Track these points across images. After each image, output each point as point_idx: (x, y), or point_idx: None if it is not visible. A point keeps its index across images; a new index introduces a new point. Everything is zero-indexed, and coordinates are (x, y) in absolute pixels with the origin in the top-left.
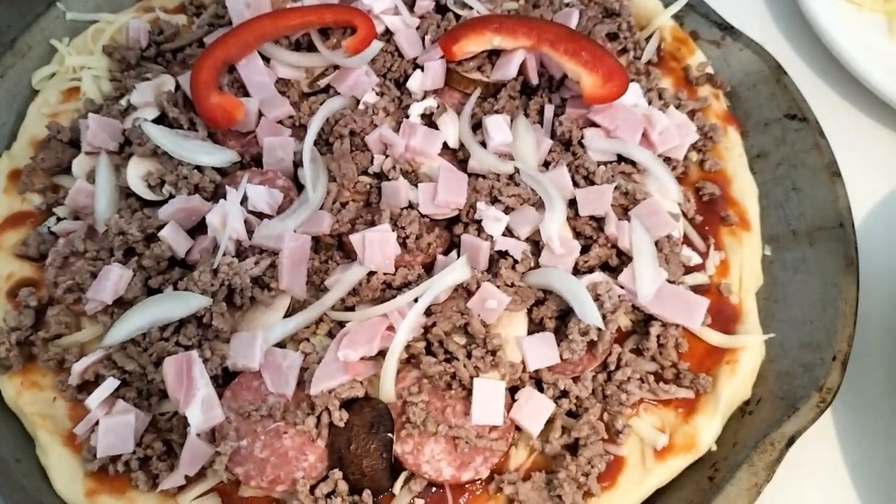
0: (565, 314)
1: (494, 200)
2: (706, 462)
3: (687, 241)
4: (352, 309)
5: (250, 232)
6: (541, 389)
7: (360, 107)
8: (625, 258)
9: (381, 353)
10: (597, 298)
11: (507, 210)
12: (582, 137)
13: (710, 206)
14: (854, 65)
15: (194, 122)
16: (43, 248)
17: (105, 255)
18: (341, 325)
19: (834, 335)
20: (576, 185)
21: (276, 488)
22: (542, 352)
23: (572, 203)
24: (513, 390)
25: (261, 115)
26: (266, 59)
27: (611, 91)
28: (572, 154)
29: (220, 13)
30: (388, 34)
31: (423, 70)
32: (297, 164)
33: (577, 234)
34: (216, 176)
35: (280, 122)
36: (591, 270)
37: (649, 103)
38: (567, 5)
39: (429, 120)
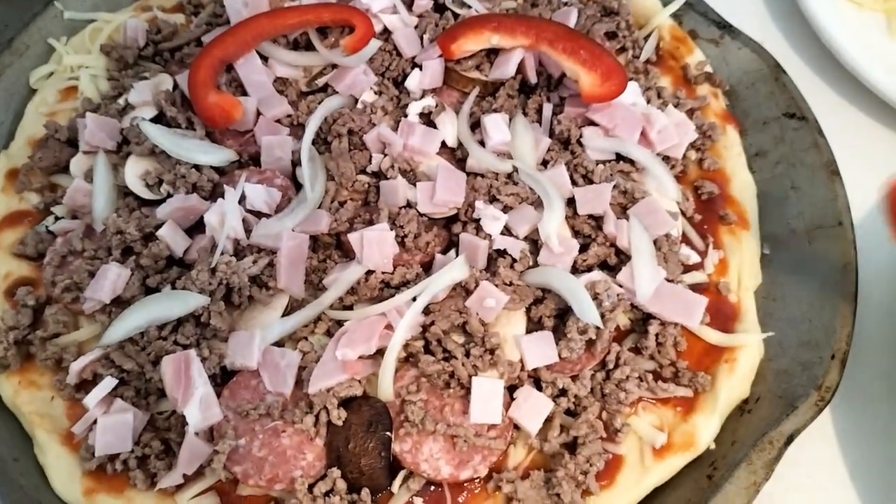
0: (564, 313)
1: (493, 199)
2: (705, 461)
3: (685, 239)
4: (350, 308)
5: (248, 231)
6: (539, 388)
7: (359, 106)
8: (623, 257)
9: (380, 352)
10: (595, 297)
11: (506, 209)
12: (580, 136)
13: (708, 204)
14: (853, 63)
15: (192, 122)
16: (41, 247)
17: (103, 254)
18: (339, 323)
19: (833, 334)
20: (574, 183)
21: (274, 487)
22: (540, 350)
23: (571, 202)
24: (511, 389)
25: (259, 114)
26: (264, 58)
27: (609, 90)
28: (571, 153)
29: (218, 12)
30: (386, 33)
31: (421, 69)
32: (296, 163)
33: (576, 233)
34: (214, 175)
35: (278, 121)
36: (589, 269)
37: (648, 102)
38: (566, 4)
39: (427, 119)
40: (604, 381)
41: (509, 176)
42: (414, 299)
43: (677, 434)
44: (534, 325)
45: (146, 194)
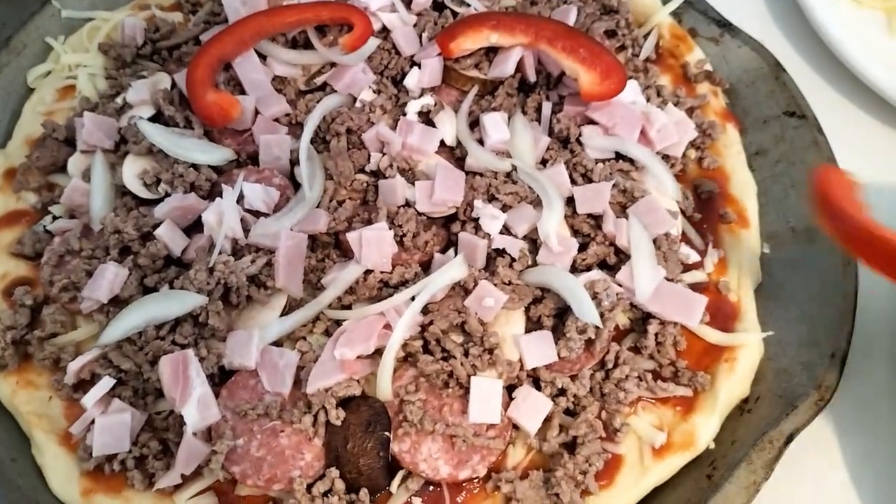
0: (563, 312)
1: (492, 198)
2: (704, 460)
3: (685, 238)
4: (348, 307)
5: (246, 230)
6: (538, 388)
7: (357, 104)
8: (623, 256)
9: (378, 352)
10: (595, 296)
11: (505, 208)
12: (580, 135)
13: (708, 203)
14: (853, 61)
15: (190, 120)
16: (38, 246)
17: (101, 253)
18: (338, 323)
19: (833, 333)
20: (573, 182)
21: (272, 487)
22: (539, 350)
23: (570, 201)
24: (510, 389)
25: (257, 112)
26: (262, 57)
27: (609, 88)
28: (570, 151)
29: (216, 10)
30: (385, 31)
31: (420, 67)
32: (294, 162)
33: (575, 232)
34: (212, 174)
35: (276, 119)
36: (588, 268)
37: (647, 100)
38: (565, 2)
39: (426, 117)
40: (603, 381)
41: (508, 175)
42: (412, 299)
43: (677, 433)
44: (533, 325)
45: (144, 193)
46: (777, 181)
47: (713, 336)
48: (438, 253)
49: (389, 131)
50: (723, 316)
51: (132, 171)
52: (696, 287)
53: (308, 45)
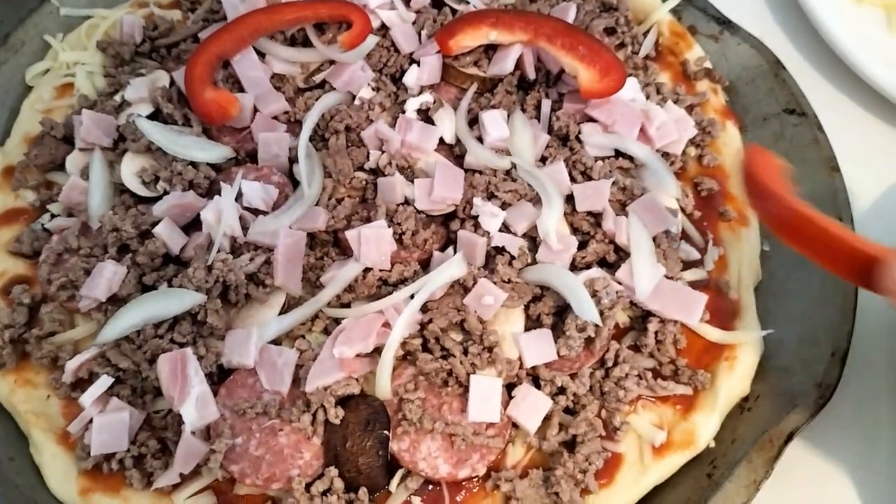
0: (562, 310)
1: (491, 196)
2: (704, 459)
3: (685, 236)
4: (347, 306)
5: (245, 228)
6: (538, 386)
7: (356, 102)
8: (622, 254)
9: (377, 350)
10: (594, 294)
11: (504, 206)
12: (579, 132)
13: (708, 201)
14: (853, 59)
15: (189, 118)
16: (36, 244)
17: (99, 251)
18: (337, 321)
19: (833, 331)
20: (573, 180)
21: (271, 486)
22: (539, 348)
23: (569, 198)
24: (510, 387)
25: (256, 110)
26: (261, 55)
27: (608, 86)
28: (569, 149)
29: (214, 8)
30: (383, 29)
31: (419, 65)
32: (293, 159)
33: (575, 230)
34: (211, 172)
35: (275, 117)
36: (588, 266)
37: (647, 98)
38: None
39: (425, 115)
40: (603, 379)
41: (508, 172)
42: (412, 297)
43: (677, 432)
44: (532, 323)
45: (142, 191)
46: None
47: (713, 334)
48: (437, 251)
49: (388, 129)
50: (723, 314)
51: (131, 168)
52: (696, 285)
53: (307, 43)
